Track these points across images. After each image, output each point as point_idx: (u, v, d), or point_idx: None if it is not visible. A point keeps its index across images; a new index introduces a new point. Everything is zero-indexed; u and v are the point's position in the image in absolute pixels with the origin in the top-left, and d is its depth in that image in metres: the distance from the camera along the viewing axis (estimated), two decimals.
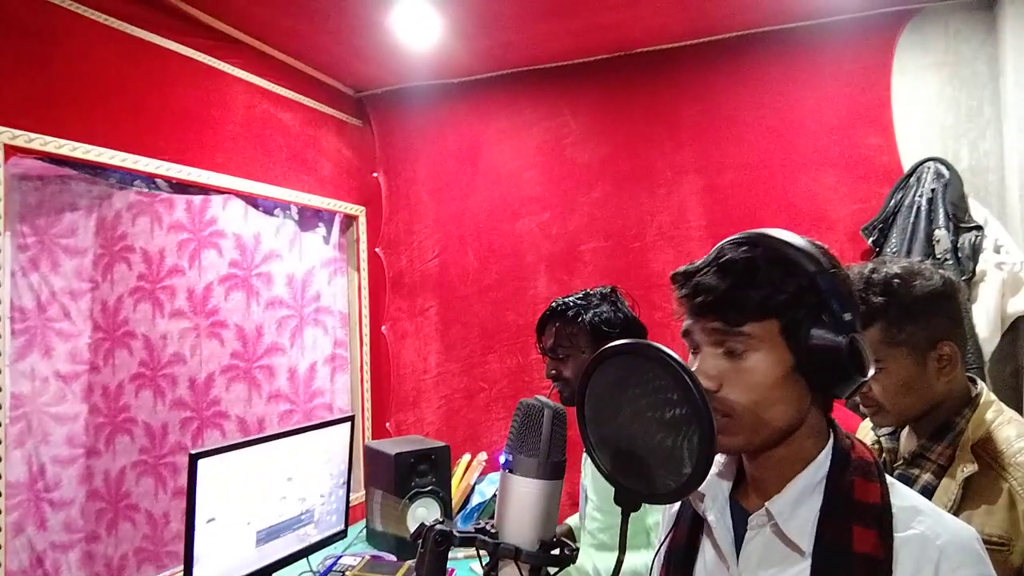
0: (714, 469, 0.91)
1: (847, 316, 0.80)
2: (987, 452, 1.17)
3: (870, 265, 1.26)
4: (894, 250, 2.23)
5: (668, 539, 0.94)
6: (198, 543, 1.76)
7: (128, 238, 3.01)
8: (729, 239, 0.86)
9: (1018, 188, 2.11)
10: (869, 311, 1.20)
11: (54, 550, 2.78)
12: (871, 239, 2.30)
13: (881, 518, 0.78)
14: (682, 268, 0.86)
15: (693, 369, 0.82)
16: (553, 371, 1.73)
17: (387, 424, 2.99)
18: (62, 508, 2.83)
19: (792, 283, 0.80)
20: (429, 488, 2.27)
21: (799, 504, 0.81)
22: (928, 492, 1.22)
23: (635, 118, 2.67)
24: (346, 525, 2.30)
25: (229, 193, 2.35)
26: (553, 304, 1.76)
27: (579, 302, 1.72)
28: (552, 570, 0.74)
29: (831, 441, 0.84)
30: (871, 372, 0.81)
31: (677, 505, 0.96)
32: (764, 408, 0.80)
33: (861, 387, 0.83)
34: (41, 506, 2.79)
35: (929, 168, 2.23)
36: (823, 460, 0.83)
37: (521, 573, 0.71)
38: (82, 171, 1.90)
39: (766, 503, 0.82)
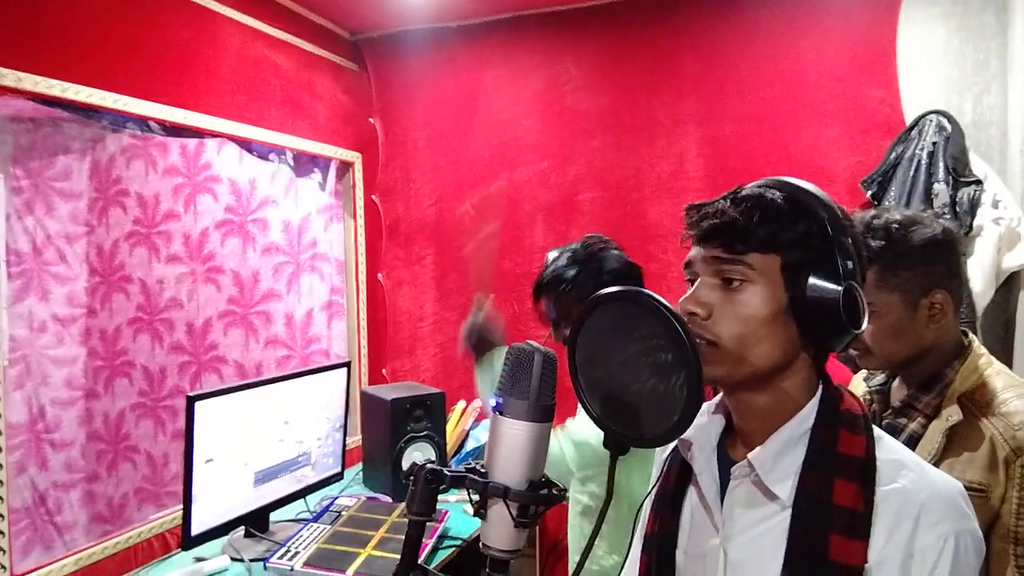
0: (702, 418, 0.92)
1: (850, 265, 0.80)
2: (972, 402, 1.19)
3: (873, 211, 1.27)
4: (892, 203, 2.22)
5: (658, 485, 0.96)
6: (197, 483, 1.80)
7: (123, 182, 2.99)
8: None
9: (1020, 144, 2.09)
10: (866, 254, 1.21)
11: (56, 489, 2.83)
12: (870, 192, 2.29)
13: (864, 471, 0.78)
14: (698, 202, 0.87)
15: (687, 295, 0.83)
16: (561, 340, 1.67)
17: (383, 371, 3.02)
18: (63, 449, 2.87)
19: (802, 224, 0.80)
20: (424, 433, 2.31)
21: (782, 456, 0.82)
22: (914, 441, 1.24)
23: (636, 66, 2.62)
24: (343, 468, 2.35)
25: (223, 137, 2.32)
26: (544, 277, 1.67)
27: (569, 273, 1.63)
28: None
29: (819, 393, 0.84)
30: (864, 325, 0.80)
31: (667, 453, 0.97)
32: (750, 343, 0.80)
33: (853, 341, 0.82)
34: (42, 447, 2.83)
35: (931, 121, 2.20)
36: (808, 412, 0.83)
37: (509, 511, 0.73)
38: (73, 112, 1.87)
39: (748, 455, 0.83)
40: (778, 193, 0.82)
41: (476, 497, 0.75)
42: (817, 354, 0.85)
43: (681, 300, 0.83)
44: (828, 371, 0.88)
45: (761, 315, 0.80)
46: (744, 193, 0.83)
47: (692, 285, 0.85)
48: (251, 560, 1.87)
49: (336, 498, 2.22)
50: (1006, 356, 2.13)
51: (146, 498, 2.95)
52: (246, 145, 2.49)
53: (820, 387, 0.85)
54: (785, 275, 0.80)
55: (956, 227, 2.10)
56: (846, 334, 0.80)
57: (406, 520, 0.77)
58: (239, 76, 2.33)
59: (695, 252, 0.85)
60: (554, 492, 0.74)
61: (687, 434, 0.89)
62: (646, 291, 0.73)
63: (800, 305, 0.79)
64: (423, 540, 0.80)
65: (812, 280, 0.79)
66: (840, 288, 0.78)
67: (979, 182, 2.12)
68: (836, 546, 0.75)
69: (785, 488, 0.80)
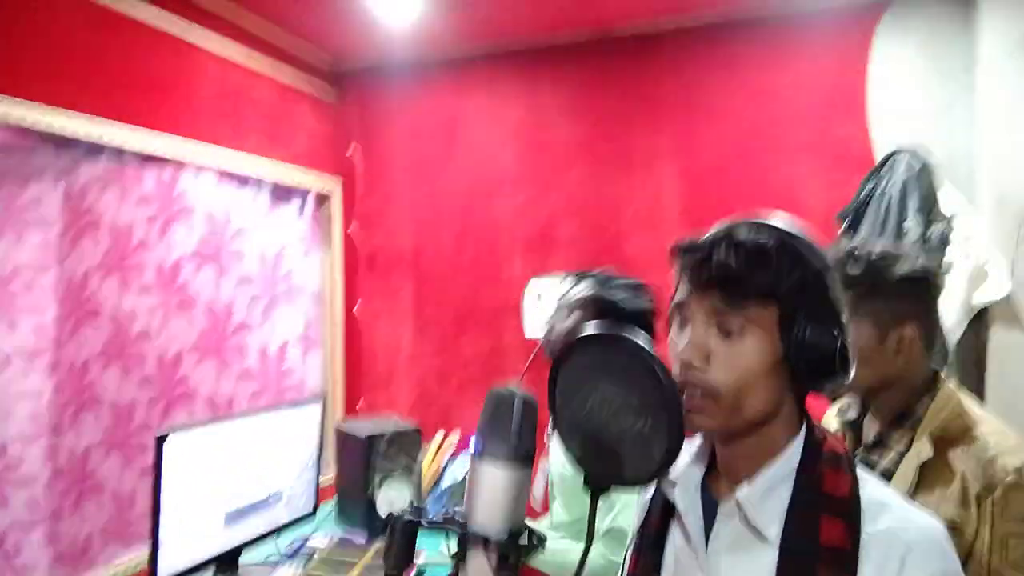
0: (686, 457, 0.91)
1: (843, 317, 0.81)
2: (943, 439, 1.20)
3: (858, 239, 1.29)
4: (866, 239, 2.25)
5: (640, 526, 0.95)
6: (164, 523, 1.75)
7: (95, 211, 2.94)
8: (740, 220, 0.85)
9: (989, 180, 2.14)
10: (844, 281, 1.22)
11: (15, 530, 2.73)
12: (844, 226, 2.31)
13: (850, 511, 0.78)
14: (687, 240, 0.85)
15: (684, 343, 0.81)
16: None
17: (358, 404, 2.98)
18: (24, 487, 2.78)
19: (797, 273, 0.80)
20: (399, 470, 2.26)
21: (768, 495, 0.81)
22: (887, 477, 1.24)
23: (613, 101, 2.66)
24: (316, 505, 2.30)
25: (199, 167, 2.29)
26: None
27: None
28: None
29: (803, 432, 0.84)
30: (853, 372, 0.81)
31: (649, 493, 0.96)
32: (746, 393, 0.79)
33: (840, 385, 0.83)
34: (2, 486, 2.73)
35: (902, 158, 2.24)
36: (794, 451, 0.83)
37: (489, 560, 0.71)
38: (47, 140, 1.85)
39: (736, 494, 0.82)
40: (773, 241, 0.81)
41: (455, 546, 0.73)
42: (801, 392, 0.85)
43: (680, 349, 0.81)
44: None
45: (758, 365, 0.79)
46: (741, 238, 0.81)
47: (679, 327, 0.84)
48: None
49: (308, 539, 2.17)
50: (979, 391, 2.15)
51: (113, 537, 2.86)
52: (223, 176, 2.46)
53: (803, 425, 0.85)
54: (782, 325, 0.80)
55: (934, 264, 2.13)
56: (837, 381, 0.80)
57: (379, 562, 0.74)
58: (218, 107, 2.32)
59: (688, 295, 0.83)
60: (534, 541, 0.73)
61: (671, 474, 0.88)
62: (628, 334, 0.72)
63: (797, 355, 0.79)
64: None
65: (809, 331, 0.79)
66: (836, 338, 0.79)
67: (949, 219, 2.15)
68: None
69: (773, 528, 0.80)
